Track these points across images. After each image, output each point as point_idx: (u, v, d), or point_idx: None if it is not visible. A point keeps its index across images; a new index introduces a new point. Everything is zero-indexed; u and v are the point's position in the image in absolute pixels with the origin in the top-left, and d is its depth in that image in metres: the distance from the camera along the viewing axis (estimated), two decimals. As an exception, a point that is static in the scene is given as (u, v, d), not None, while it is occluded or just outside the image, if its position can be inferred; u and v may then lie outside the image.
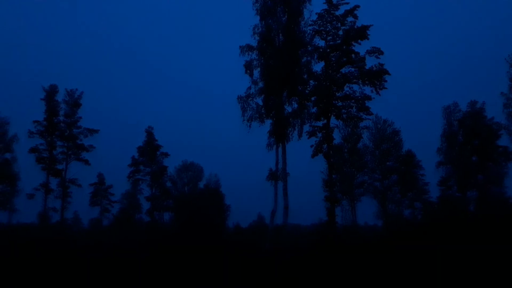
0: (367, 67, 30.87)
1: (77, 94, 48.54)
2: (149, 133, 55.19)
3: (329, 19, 31.46)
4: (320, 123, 31.80)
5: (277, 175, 32.99)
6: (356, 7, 30.73)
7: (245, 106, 34.31)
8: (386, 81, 30.54)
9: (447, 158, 47.69)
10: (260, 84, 33.94)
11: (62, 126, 47.84)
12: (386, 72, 30.41)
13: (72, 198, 46.67)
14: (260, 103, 34.13)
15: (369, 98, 31.10)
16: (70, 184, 46.75)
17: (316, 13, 31.93)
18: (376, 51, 30.48)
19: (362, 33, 30.43)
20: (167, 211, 53.72)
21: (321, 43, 32.26)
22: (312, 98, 32.44)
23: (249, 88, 34.40)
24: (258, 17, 33.92)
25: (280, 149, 33.24)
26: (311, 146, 31.89)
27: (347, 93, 31.71)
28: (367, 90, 31.07)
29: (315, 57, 32.31)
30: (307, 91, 32.69)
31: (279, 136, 33.02)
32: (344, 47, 31.20)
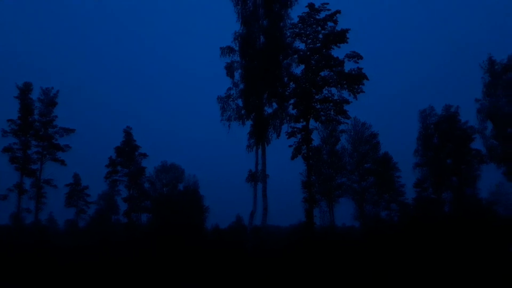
0: (346, 71, 31.31)
1: (53, 92, 47.55)
2: (128, 133, 54.50)
3: (309, 23, 31.82)
4: (299, 125, 32.11)
5: (257, 177, 33.09)
6: (337, 12, 31.14)
7: (225, 106, 34.32)
8: (364, 84, 31.05)
9: (423, 161, 48.64)
10: (241, 86, 34.01)
11: (37, 125, 46.77)
12: (364, 77, 30.93)
13: (46, 199, 45.63)
14: (241, 104, 34.23)
15: (347, 101, 31.55)
16: (44, 185, 45.72)
17: (298, 16, 32.24)
18: (355, 56, 30.96)
19: (341, 37, 30.87)
20: (145, 213, 53.17)
21: (302, 46, 32.59)
22: (292, 100, 32.73)
23: (230, 88, 34.45)
24: (239, 20, 34.03)
25: (260, 151, 33.37)
26: (290, 146, 32.15)
27: (326, 96, 32.09)
28: (345, 94, 31.56)
29: (296, 60, 32.59)
30: (287, 93, 32.94)
31: (259, 138, 33.12)
32: (324, 50, 31.59)
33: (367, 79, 30.94)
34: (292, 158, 31.90)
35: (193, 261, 23.10)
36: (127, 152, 53.42)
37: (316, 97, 31.94)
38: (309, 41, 32.13)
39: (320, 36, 31.69)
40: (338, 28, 31.30)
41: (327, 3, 31.39)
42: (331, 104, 31.80)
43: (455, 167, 46.14)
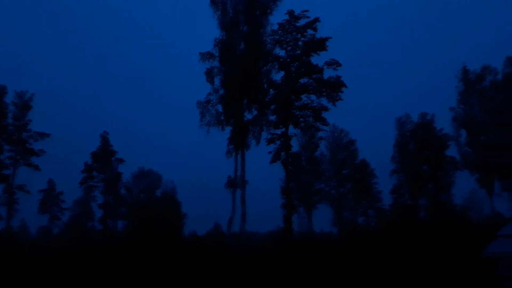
0: (325, 78, 31.63)
1: (27, 96, 46.45)
2: (104, 138, 53.56)
3: (289, 30, 32.05)
4: (279, 131, 32.22)
5: (236, 183, 33.00)
6: (316, 20, 31.45)
7: (204, 111, 34.25)
8: (342, 92, 31.40)
9: (399, 167, 49.44)
10: (221, 91, 33.99)
11: (10, 129, 45.57)
12: (343, 84, 31.28)
13: (19, 205, 44.51)
14: (220, 110, 34.17)
15: (325, 108, 31.86)
16: (17, 190, 44.56)
17: (278, 23, 32.43)
18: (334, 63, 31.30)
19: (321, 45, 31.18)
20: (121, 219, 52.27)
21: (282, 53, 32.80)
22: (272, 107, 32.84)
23: (209, 94, 34.41)
24: (219, 26, 34.07)
25: (239, 157, 33.32)
26: (269, 152, 32.21)
27: (305, 102, 32.34)
28: (324, 101, 31.85)
29: (276, 66, 32.75)
30: (267, 100, 33.05)
31: (238, 143, 33.09)
32: (303, 58, 31.84)
33: (345, 86, 31.30)
34: (271, 163, 31.97)
35: (170, 269, 22.77)
36: (103, 158, 52.49)
37: (296, 103, 32.14)
38: (289, 48, 32.36)
39: (300, 43, 31.95)
40: (318, 35, 31.61)
41: (307, 11, 31.72)
42: (310, 111, 32.05)
43: (430, 174, 47.03)
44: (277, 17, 32.97)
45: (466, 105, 46.06)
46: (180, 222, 53.08)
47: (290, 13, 31.79)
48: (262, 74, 33.71)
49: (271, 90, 33.40)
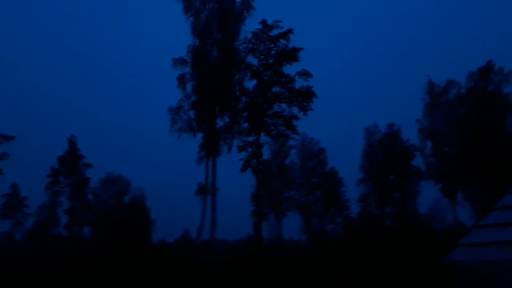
0: (296, 88, 32.09)
1: (-9, 97, 45.04)
2: (72, 142, 52.31)
3: (263, 39, 32.39)
4: (250, 139, 32.40)
5: (206, 190, 32.97)
6: (289, 31, 31.88)
7: (176, 117, 34.19)
8: (313, 102, 31.91)
9: (367, 176, 50.48)
10: (193, 98, 34.01)
11: (-28, 132, 43.98)
12: (314, 94, 31.82)
13: (-20, 210, 42.82)
14: (192, 116, 34.15)
15: (296, 117, 32.30)
16: (-22, 195, 42.94)
17: (251, 32, 32.75)
18: (305, 74, 31.80)
19: (293, 55, 31.61)
20: (87, 225, 51.04)
21: (255, 61, 33.11)
22: (244, 114, 33.03)
23: (181, 100, 34.35)
24: (192, 32, 34.14)
25: (210, 163, 33.33)
26: (241, 160, 32.36)
27: (277, 111, 32.70)
28: (295, 110, 32.28)
29: (248, 74, 33.02)
30: (239, 107, 33.25)
31: (210, 150, 33.14)
32: (276, 67, 32.23)
33: (316, 96, 31.85)
34: (242, 170, 32.06)
35: (137, 277, 22.42)
36: (71, 162, 51.24)
37: (268, 112, 32.44)
38: (261, 57, 32.71)
39: (273, 52, 32.34)
40: (291, 45, 32.09)
41: (280, 21, 32.17)
42: (281, 119, 32.41)
43: (397, 183, 48.18)
44: (251, 26, 33.32)
45: (431, 117, 47.63)
46: (148, 229, 52.21)
47: (264, 22, 32.17)
48: (235, 82, 33.95)
49: (243, 97, 33.63)
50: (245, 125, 32.82)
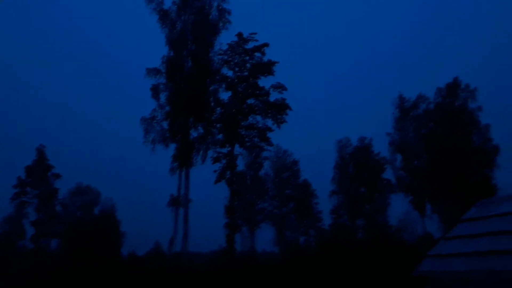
0: (271, 101, 32.38)
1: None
2: (40, 152, 50.92)
3: (238, 52, 32.60)
4: (224, 150, 32.37)
5: (179, 201, 32.61)
6: (264, 45, 32.23)
7: (149, 128, 33.82)
8: (287, 114, 32.24)
9: (339, 188, 51.08)
10: (167, 108, 33.76)
11: None
12: (288, 107, 32.17)
13: None
14: (165, 126, 33.85)
15: (270, 129, 32.54)
16: None
17: (227, 44, 32.92)
18: (280, 87, 32.16)
19: (268, 69, 31.94)
20: (55, 238, 49.50)
21: (230, 73, 33.25)
22: (218, 125, 33.02)
23: (154, 110, 34.04)
24: (167, 43, 34.03)
25: (183, 174, 33.04)
26: (215, 171, 32.23)
27: (251, 123, 32.84)
28: (269, 122, 32.54)
29: (223, 86, 33.11)
30: (213, 118, 33.23)
31: (183, 161, 32.87)
32: (251, 79, 32.45)
33: (290, 109, 32.20)
34: (216, 182, 31.93)
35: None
36: (39, 172, 49.79)
37: (242, 123, 32.54)
38: (237, 69, 32.88)
39: (248, 65, 32.57)
40: (266, 58, 32.39)
41: (255, 33, 32.51)
42: (256, 131, 32.56)
43: (368, 195, 48.92)
44: (227, 38, 33.49)
45: (401, 131, 48.75)
46: (118, 241, 51.06)
47: (239, 35, 32.42)
48: (209, 93, 33.95)
49: (218, 108, 33.64)
50: (220, 136, 32.82)
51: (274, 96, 32.24)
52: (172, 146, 33.58)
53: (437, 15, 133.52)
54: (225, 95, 33.48)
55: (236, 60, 32.77)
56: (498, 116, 61.71)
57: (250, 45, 32.27)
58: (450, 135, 42.38)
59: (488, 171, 42.96)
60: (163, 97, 34.15)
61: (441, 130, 43.75)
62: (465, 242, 6.33)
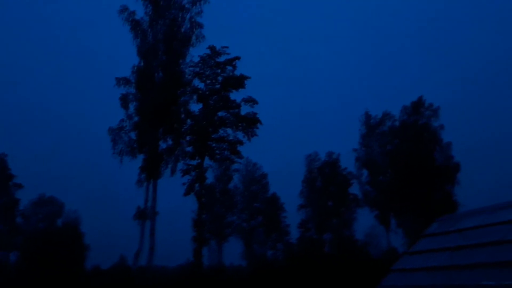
0: (242, 114, 32.57)
1: None
2: (2, 160, 49.10)
3: (210, 64, 32.74)
4: (194, 162, 32.19)
5: (145, 214, 32.06)
6: (236, 58, 32.54)
7: (117, 138, 33.25)
8: (258, 128, 32.51)
9: (307, 202, 51.53)
10: (135, 118, 33.34)
11: None
12: (258, 121, 32.46)
13: None
14: (134, 137, 33.37)
15: (241, 142, 32.69)
16: None
17: (199, 56, 32.97)
18: (251, 101, 32.45)
19: (239, 82, 32.22)
20: (15, 250, 47.51)
21: (201, 85, 33.29)
22: (188, 137, 32.87)
23: (122, 120, 33.55)
24: (138, 52, 33.77)
25: (151, 186, 32.55)
26: (184, 184, 31.94)
27: (222, 135, 32.88)
28: (240, 135, 32.69)
29: (194, 98, 33.09)
30: (183, 130, 33.06)
31: (151, 172, 32.42)
32: (222, 92, 32.59)
33: (261, 123, 32.49)
34: (185, 194, 31.64)
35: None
36: (-1, 182, 47.95)
37: (213, 136, 32.53)
38: (208, 81, 32.97)
39: (220, 78, 32.72)
40: (237, 72, 32.63)
41: (227, 47, 32.76)
42: (226, 144, 32.60)
43: (335, 209, 49.56)
44: (199, 50, 33.55)
45: (367, 147, 49.91)
46: (82, 254, 49.57)
47: (212, 48, 32.59)
48: (180, 104, 33.79)
49: (188, 120, 33.51)
50: (189, 148, 32.64)
51: (245, 109, 32.49)
52: (140, 158, 33.12)
53: (402, 34, 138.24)
54: (196, 107, 33.47)
55: (207, 73, 32.87)
56: (459, 133, 64.30)
57: (222, 58, 32.48)
58: (414, 152, 43.69)
59: (449, 188, 44.44)
60: (132, 107, 33.74)
61: (405, 147, 45.03)
62: (427, 257, 6.57)
